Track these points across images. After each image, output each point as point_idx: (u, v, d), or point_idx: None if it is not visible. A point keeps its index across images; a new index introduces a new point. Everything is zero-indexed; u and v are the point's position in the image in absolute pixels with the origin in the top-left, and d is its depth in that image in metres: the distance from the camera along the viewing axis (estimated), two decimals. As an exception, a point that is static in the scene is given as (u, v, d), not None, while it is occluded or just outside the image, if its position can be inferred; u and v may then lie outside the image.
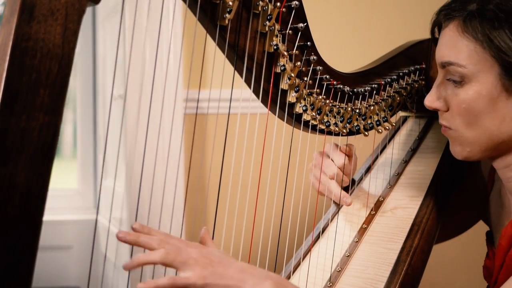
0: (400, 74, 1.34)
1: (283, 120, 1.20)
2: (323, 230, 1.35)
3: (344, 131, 1.25)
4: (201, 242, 1.03)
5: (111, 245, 2.07)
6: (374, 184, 1.38)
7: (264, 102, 1.18)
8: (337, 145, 1.33)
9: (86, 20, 2.43)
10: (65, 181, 2.83)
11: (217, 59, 1.19)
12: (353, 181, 1.40)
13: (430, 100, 1.16)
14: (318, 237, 1.35)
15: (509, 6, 1.07)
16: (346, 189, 1.35)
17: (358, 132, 1.27)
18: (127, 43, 2.04)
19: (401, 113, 1.49)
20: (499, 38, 1.06)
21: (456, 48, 1.10)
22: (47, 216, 0.81)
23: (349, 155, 1.32)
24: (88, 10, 0.85)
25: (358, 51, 2.14)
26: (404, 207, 1.30)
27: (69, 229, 2.63)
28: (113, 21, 2.19)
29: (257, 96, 1.17)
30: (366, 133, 1.28)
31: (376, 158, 1.44)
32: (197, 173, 2.02)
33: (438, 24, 1.18)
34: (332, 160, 1.31)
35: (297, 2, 1.15)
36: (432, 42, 1.34)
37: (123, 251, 2.04)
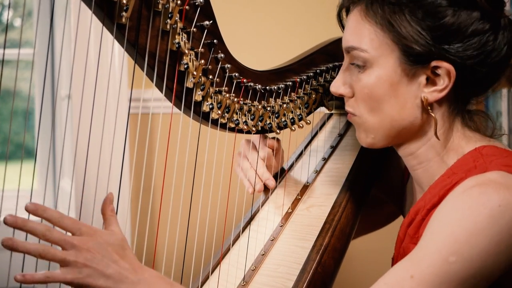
0: (318, 71, 1.33)
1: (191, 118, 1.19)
2: (243, 229, 1.34)
3: (254, 129, 1.24)
4: (104, 220, 1.00)
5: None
6: (294, 182, 1.37)
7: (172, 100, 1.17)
8: (265, 137, 1.32)
9: (43, 20, 2.42)
10: (22, 182, 2.81)
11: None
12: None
13: (336, 86, 1.16)
14: (238, 236, 1.34)
15: None
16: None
17: (270, 130, 1.26)
18: (72, 43, 2.03)
19: (326, 111, 1.48)
20: (399, 23, 1.06)
21: (359, 32, 1.10)
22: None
23: (273, 148, 1.32)
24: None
25: (280, 49, 2.13)
26: (319, 205, 1.29)
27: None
28: (59, 21, 2.18)
29: (167, 96, 1.17)
30: (278, 131, 1.27)
31: (300, 155, 1.43)
32: (141, 173, 2.01)
33: (345, 8, 1.18)
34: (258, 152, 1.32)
35: (201, 0, 1.14)
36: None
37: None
